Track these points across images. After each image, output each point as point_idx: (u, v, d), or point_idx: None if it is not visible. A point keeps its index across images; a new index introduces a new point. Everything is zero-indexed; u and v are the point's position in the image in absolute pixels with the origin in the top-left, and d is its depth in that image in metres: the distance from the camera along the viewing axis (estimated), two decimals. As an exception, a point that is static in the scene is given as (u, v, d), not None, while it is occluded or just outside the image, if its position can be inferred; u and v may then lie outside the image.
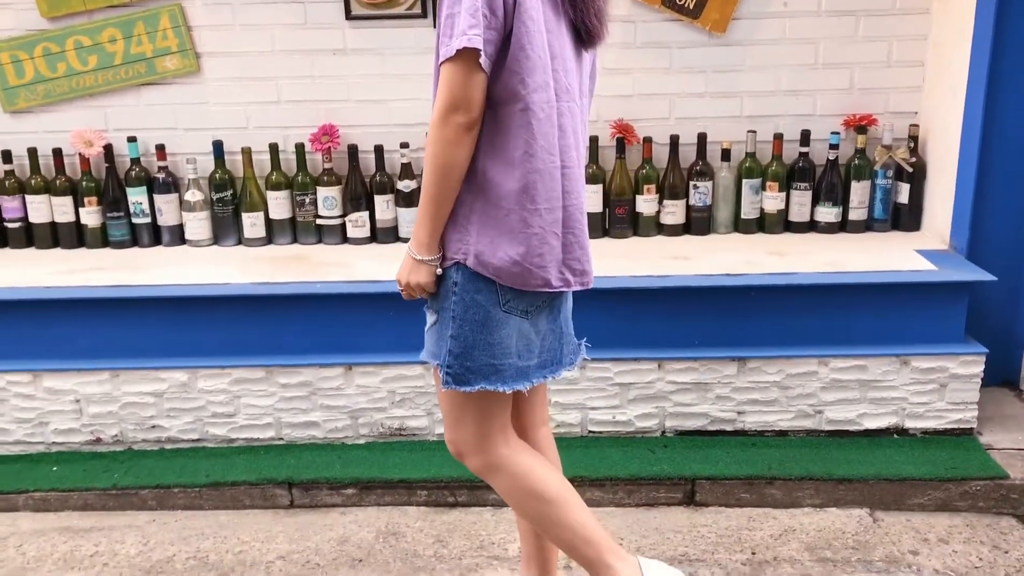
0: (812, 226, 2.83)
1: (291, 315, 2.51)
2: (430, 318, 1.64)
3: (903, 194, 2.79)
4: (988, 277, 2.44)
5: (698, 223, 2.84)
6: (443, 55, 1.46)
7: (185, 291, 2.49)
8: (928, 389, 2.50)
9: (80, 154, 2.79)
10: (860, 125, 2.76)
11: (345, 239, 2.84)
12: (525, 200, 1.53)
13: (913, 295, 2.47)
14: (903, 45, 2.75)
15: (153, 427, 2.56)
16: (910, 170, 2.75)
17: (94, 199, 2.80)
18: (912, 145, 2.76)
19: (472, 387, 1.59)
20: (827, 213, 2.80)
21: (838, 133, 2.75)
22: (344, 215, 2.82)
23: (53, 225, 2.84)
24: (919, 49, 2.75)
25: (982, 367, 2.48)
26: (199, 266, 2.66)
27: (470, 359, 1.58)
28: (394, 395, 2.53)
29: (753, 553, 2.18)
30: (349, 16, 2.73)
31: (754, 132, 2.77)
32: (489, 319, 1.57)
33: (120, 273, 2.61)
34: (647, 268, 2.54)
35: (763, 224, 2.84)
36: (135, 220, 2.82)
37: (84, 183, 2.80)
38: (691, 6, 2.73)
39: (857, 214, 2.81)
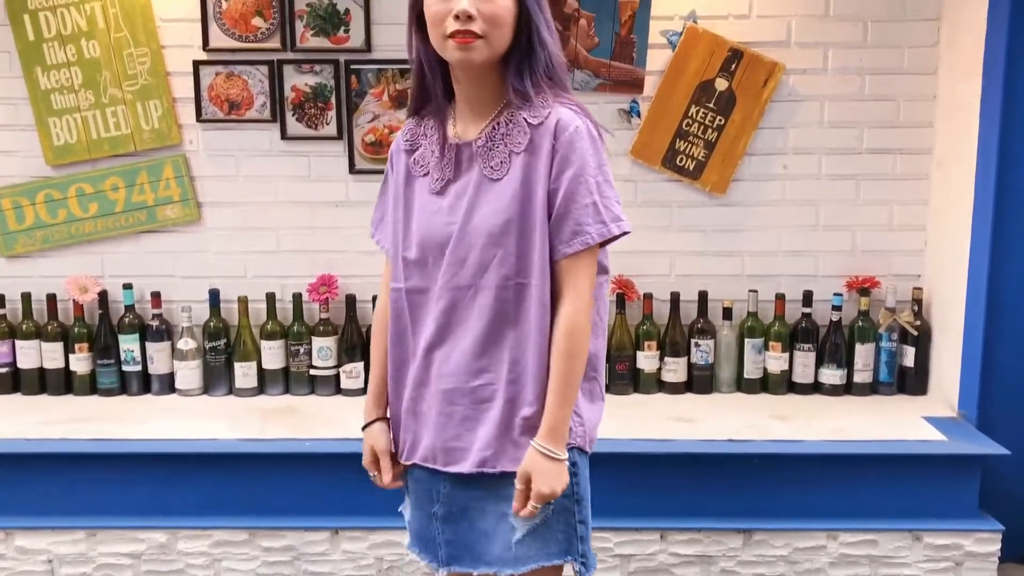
0: (816, 387, 2.77)
1: (278, 474, 2.42)
2: (525, 522, 1.55)
3: (908, 357, 2.74)
4: (1000, 451, 2.36)
5: (700, 381, 2.77)
6: (596, 235, 1.50)
7: (168, 447, 2.41)
8: (943, 567, 2.37)
9: (74, 300, 2.75)
10: (863, 287, 2.74)
11: (338, 390, 2.77)
12: (599, 364, 1.62)
13: (923, 467, 2.38)
14: (904, 209, 2.76)
15: (127, 591, 2.43)
16: (915, 333, 2.71)
17: (85, 345, 2.75)
18: (916, 308, 2.73)
19: (594, 566, 1.62)
20: (831, 375, 2.74)
21: (841, 295, 2.73)
22: (338, 366, 2.76)
23: (41, 371, 2.78)
24: (920, 213, 2.76)
25: (999, 544, 2.37)
26: (186, 418, 2.58)
27: (589, 538, 1.62)
28: (382, 562, 2.41)
29: None
30: (353, 170, 2.75)
31: (756, 291, 2.74)
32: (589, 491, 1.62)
33: (104, 425, 2.53)
34: (649, 431, 2.46)
35: (767, 384, 2.78)
36: (125, 368, 2.77)
37: (76, 329, 2.76)
38: (691, 167, 2.74)
39: (862, 377, 2.75)
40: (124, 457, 2.41)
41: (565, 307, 1.51)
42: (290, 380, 2.78)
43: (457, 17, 1.43)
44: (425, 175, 1.58)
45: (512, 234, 1.50)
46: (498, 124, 1.53)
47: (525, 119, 1.51)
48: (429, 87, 1.56)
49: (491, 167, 1.52)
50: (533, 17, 1.49)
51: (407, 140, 1.63)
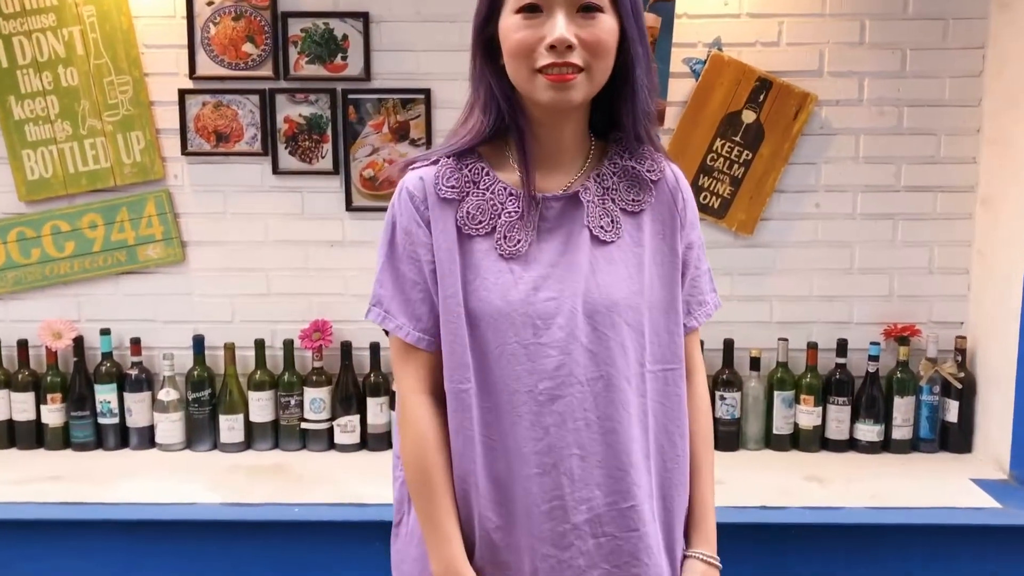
0: (852, 444, 2.56)
1: (263, 543, 2.19)
2: None
3: (951, 412, 2.53)
4: (1063, 521, 2.14)
5: (726, 437, 2.56)
6: (713, 305, 1.40)
7: (145, 513, 2.19)
8: (999, 651, 2.15)
9: (47, 346, 2.55)
10: (902, 335, 2.54)
11: (332, 445, 2.56)
12: None
13: (975, 538, 2.16)
14: (946, 251, 2.57)
15: (95, 672, 2.20)
16: (959, 386, 2.50)
17: (58, 396, 2.55)
18: (959, 358, 2.52)
19: None
20: (868, 431, 2.53)
21: (878, 344, 2.53)
22: (332, 418, 2.56)
23: (11, 423, 2.57)
24: (963, 256, 2.56)
25: (1061, 626, 2.14)
26: (166, 477, 2.38)
27: None
28: (378, 642, 2.18)
29: None
30: (350, 207, 2.56)
31: (786, 340, 2.54)
32: None
33: (76, 485, 2.32)
34: (671, 496, 2.24)
35: (797, 441, 2.57)
36: (101, 420, 2.56)
37: (49, 378, 2.55)
38: (715, 205, 2.55)
39: (901, 433, 2.54)
40: (97, 524, 2.19)
41: (698, 385, 1.35)
42: (280, 434, 2.58)
43: (553, 47, 1.16)
44: (487, 234, 1.26)
45: (649, 308, 1.27)
46: (601, 176, 1.29)
47: (641, 172, 1.30)
48: (488, 125, 1.26)
49: (601, 227, 1.27)
50: (636, 42, 1.22)
51: (451, 186, 1.27)
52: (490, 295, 1.23)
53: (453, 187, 1.27)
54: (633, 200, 1.29)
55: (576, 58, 1.17)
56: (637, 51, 1.23)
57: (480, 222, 1.26)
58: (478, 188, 1.27)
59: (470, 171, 1.28)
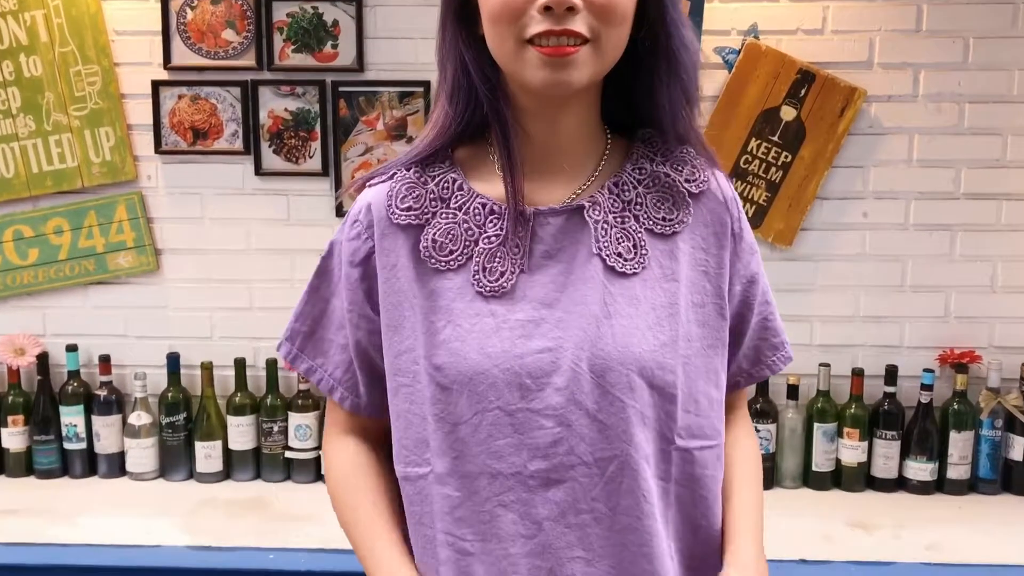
0: (901, 484, 2.30)
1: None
2: None
3: (1016, 449, 2.27)
4: None
5: (758, 474, 2.30)
6: (783, 359, 1.16)
7: (103, 557, 1.96)
8: None
9: (8, 364, 2.34)
10: (959, 362, 2.28)
11: (319, 476, 2.34)
12: None
13: (1050, 601, 1.89)
14: (1010, 267, 2.31)
15: None
16: (1024, 420, 2.24)
17: (20, 418, 2.33)
18: (1026, 389, 2.26)
19: None
20: (920, 470, 2.27)
21: (932, 371, 2.27)
22: (319, 447, 2.33)
23: (-32, 447, 2.36)
24: (1030, 272, 2.31)
25: None
26: (135, 511, 2.16)
27: None
28: None
29: None
30: (340, 213, 2.34)
31: (828, 365, 2.29)
32: None
33: (33, 521, 2.10)
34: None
35: (840, 479, 2.31)
36: (67, 445, 2.35)
37: (10, 398, 2.34)
38: (750, 213, 2.29)
39: (958, 472, 2.28)
40: (51, 571, 1.97)
41: (747, 423, 1.11)
42: (261, 463, 2.36)
43: (548, 8, 0.88)
44: (461, 266, 0.98)
45: (684, 365, 0.97)
46: (620, 185, 1.00)
47: (677, 181, 1.00)
48: (457, 118, 0.99)
49: (618, 253, 0.98)
50: (669, 5, 0.94)
51: (407, 208, 0.99)
52: (464, 346, 0.95)
53: (411, 209, 0.99)
54: (665, 219, 0.99)
55: (579, 24, 0.88)
56: (672, 15, 0.94)
57: (450, 252, 0.98)
58: (448, 207, 0.99)
59: (438, 185, 1.00)
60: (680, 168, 1.00)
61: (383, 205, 1.00)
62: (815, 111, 2.26)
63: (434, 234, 0.98)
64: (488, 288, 0.96)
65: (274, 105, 2.30)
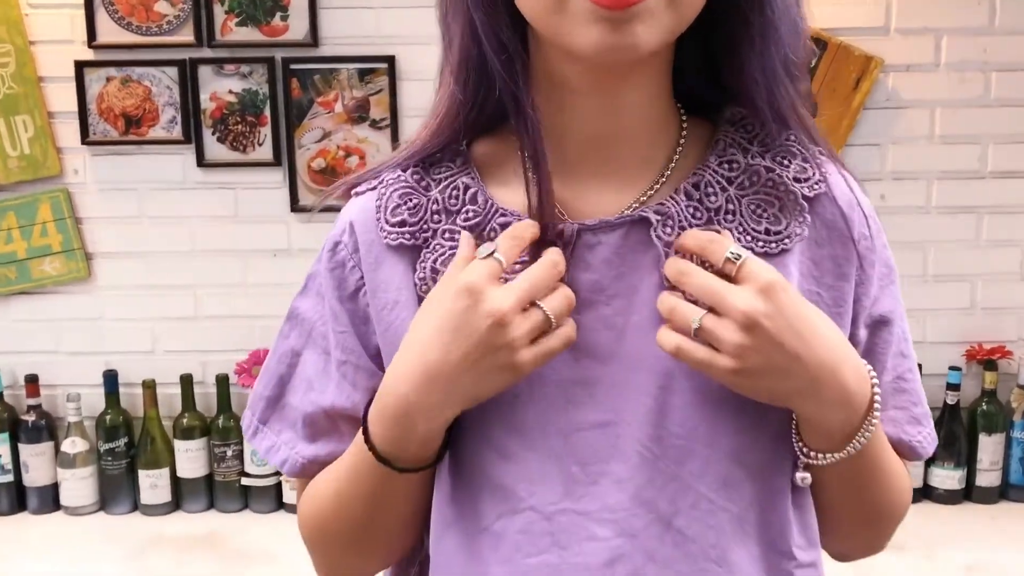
0: (926, 492, 2.16)
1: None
2: None
3: (1051, 452, 2.13)
4: None
5: (769, 487, 2.11)
6: (928, 438, 0.88)
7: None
8: None
9: (-81, 388, 2.11)
10: (988, 358, 2.15)
11: (280, 505, 2.16)
12: None
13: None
14: (1043, 253, 2.18)
15: None
16: (1060, 420, 2.10)
17: (-63, 448, 2.12)
18: (1060, 386, 2.12)
19: None
20: (947, 477, 2.12)
21: (959, 369, 2.13)
22: (279, 472, 2.11)
23: None
24: (1064, 258, 2.19)
25: None
26: (71, 555, 1.95)
27: None
28: None
29: None
30: (296, 207, 2.14)
31: (844, 365, 2.10)
32: None
33: (-53, 571, 1.87)
34: None
35: (859, 490, 2.13)
36: (-9, 477, 2.14)
37: (-75, 426, 2.12)
38: (756, 198, 2.09)
39: (988, 479, 2.14)
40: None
41: None
42: (215, 492, 2.17)
43: None
44: None
45: (773, 425, 0.71)
46: (703, 187, 0.73)
47: (783, 179, 0.73)
48: (468, 100, 0.73)
49: None
50: None
51: (398, 223, 0.74)
52: (483, 419, 0.71)
53: (404, 225, 0.74)
54: (768, 231, 0.72)
55: None
56: None
57: None
58: (454, 223, 0.74)
59: (443, 192, 0.75)
60: (787, 161, 0.73)
61: (371, 221, 0.75)
62: (827, 83, 2.09)
63: (434, 260, 0.73)
64: None
65: (217, 87, 2.12)
